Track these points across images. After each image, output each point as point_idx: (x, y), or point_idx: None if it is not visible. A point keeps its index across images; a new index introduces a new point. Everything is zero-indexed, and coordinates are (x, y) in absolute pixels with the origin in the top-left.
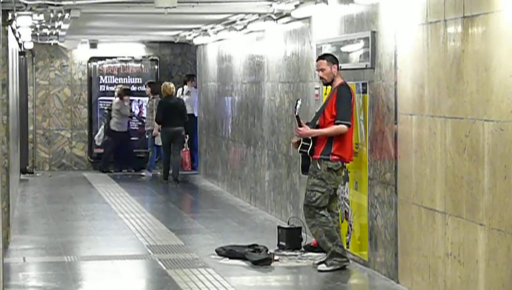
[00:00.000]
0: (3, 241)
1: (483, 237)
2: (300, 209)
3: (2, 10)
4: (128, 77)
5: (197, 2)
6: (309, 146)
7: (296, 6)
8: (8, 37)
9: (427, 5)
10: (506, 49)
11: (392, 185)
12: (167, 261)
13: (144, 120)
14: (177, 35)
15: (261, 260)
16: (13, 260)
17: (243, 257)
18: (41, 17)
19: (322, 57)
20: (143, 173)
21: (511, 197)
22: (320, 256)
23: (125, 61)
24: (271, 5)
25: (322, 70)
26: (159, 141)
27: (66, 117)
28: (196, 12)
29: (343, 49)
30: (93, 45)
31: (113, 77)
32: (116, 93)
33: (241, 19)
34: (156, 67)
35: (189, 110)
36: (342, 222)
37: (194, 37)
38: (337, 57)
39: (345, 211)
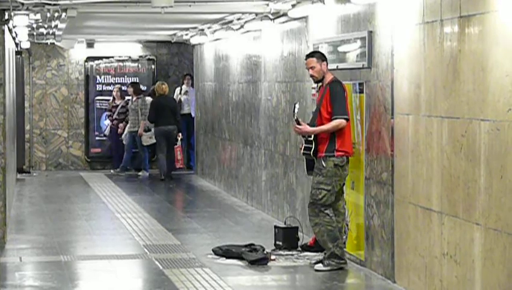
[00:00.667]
0: (0, 241)
1: (479, 237)
2: (297, 209)
3: None
4: (125, 76)
5: (194, 2)
6: (311, 148)
7: (293, 5)
8: (4, 36)
9: (423, 5)
10: (502, 49)
11: (388, 184)
12: (164, 260)
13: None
14: (174, 34)
15: (257, 260)
16: (10, 260)
17: (239, 257)
18: (38, 16)
19: (310, 55)
20: (139, 173)
21: (507, 197)
22: (317, 256)
23: (122, 60)
24: (268, 5)
25: (312, 68)
26: (145, 141)
27: (63, 117)
28: (193, 11)
29: (340, 49)
30: (90, 45)
31: (110, 76)
32: (148, 93)
33: (238, 19)
34: (153, 66)
35: (186, 110)
36: (343, 221)
37: (191, 36)
38: (331, 56)
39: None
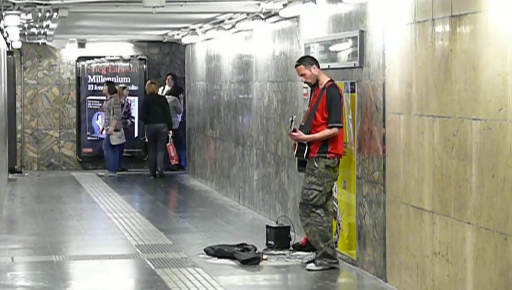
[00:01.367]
0: None
1: (471, 236)
2: (289, 209)
3: None
4: (117, 76)
5: (185, 1)
6: (304, 150)
7: (284, 5)
8: None
9: (415, 5)
10: (493, 48)
11: (380, 184)
12: (156, 260)
13: (133, 119)
14: (166, 34)
15: (249, 259)
16: (1, 260)
17: (231, 256)
18: (29, 16)
19: (298, 63)
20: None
21: (498, 196)
22: (309, 255)
23: (114, 60)
24: (259, 4)
25: (303, 75)
26: (113, 140)
27: (55, 117)
28: (184, 11)
29: (332, 48)
30: (82, 45)
31: (101, 76)
32: (167, 91)
33: (230, 18)
34: (145, 66)
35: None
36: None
37: (183, 36)
38: (323, 56)
39: (334, 210)
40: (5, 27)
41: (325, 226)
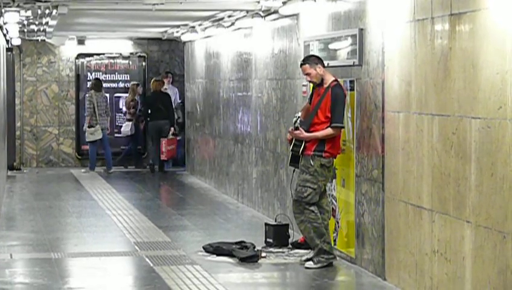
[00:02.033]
0: None
1: (470, 234)
2: (288, 206)
3: None
4: (116, 73)
5: None
6: (300, 146)
7: (284, 3)
8: None
9: (414, 3)
10: (493, 46)
11: (379, 182)
12: (154, 258)
13: (128, 116)
14: (165, 32)
15: (248, 257)
16: (0, 257)
17: (230, 254)
18: (29, 13)
19: (303, 62)
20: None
21: (497, 195)
22: (307, 253)
23: (113, 57)
24: (259, 2)
25: (308, 74)
26: (87, 137)
27: (54, 114)
28: (184, 9)
29: (331, 46)
30: (81, 42)
31: (100, 73)
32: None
33: (229, 16)
34: (144, 64)
35: None
36: (329, 218)
37: (182, 33)
38: (322, 53)
39: (332, 208)
40: (4, 24)
41: (319, 222)
